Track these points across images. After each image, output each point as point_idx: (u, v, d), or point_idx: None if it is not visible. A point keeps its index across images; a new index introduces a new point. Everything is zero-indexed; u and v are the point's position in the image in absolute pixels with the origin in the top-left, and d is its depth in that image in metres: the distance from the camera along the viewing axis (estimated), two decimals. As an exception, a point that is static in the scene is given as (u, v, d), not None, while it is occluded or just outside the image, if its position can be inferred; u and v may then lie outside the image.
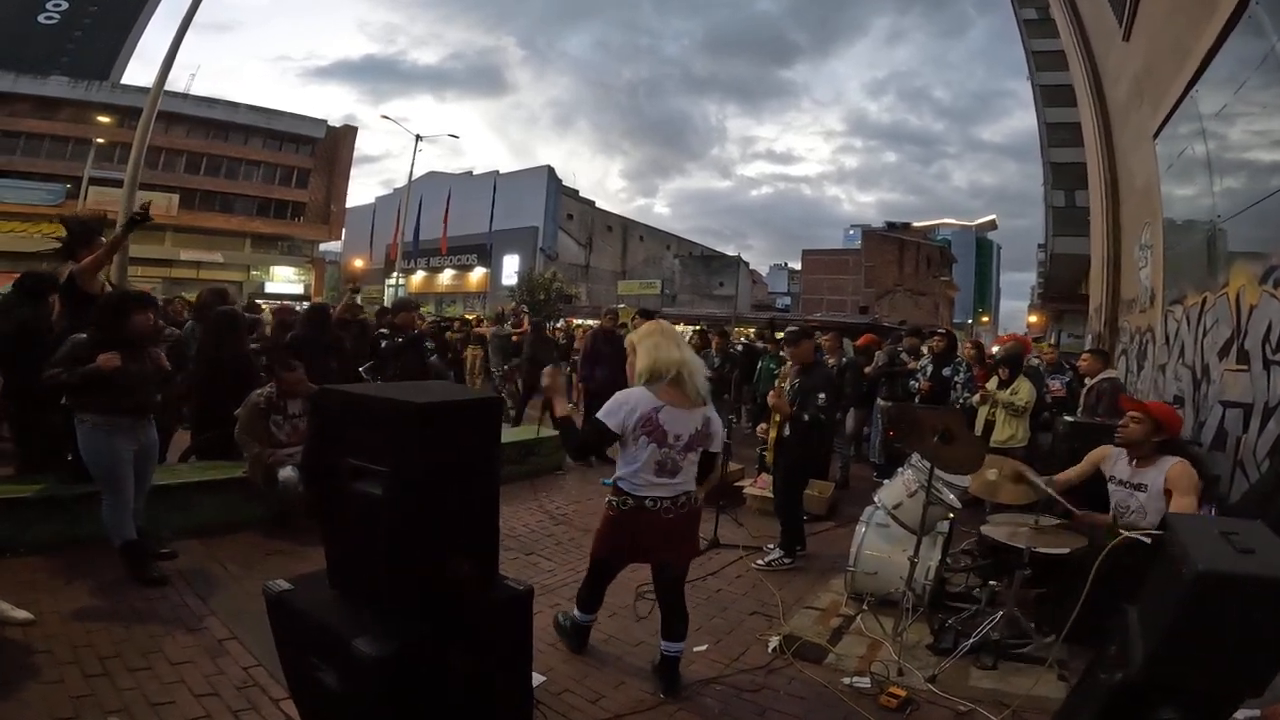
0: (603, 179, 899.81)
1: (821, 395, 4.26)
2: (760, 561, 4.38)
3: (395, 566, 1.82)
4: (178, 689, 2.57)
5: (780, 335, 12.31)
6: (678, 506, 2.67)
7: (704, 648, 3.24)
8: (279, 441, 4.51)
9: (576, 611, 3.09)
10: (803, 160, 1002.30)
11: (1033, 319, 35.31)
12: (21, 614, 2.94)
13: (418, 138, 29.00)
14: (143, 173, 10.79)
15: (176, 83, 38.06)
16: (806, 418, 4.21)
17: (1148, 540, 2.65)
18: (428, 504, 1.80)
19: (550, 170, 41.60)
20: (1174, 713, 1.71)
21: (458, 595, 1.89)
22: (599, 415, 2.62)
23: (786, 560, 4.38)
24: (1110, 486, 3.43)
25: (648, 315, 8.26)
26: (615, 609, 3.61)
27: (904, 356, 7.04)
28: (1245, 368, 4.42)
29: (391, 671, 1.72)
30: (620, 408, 2.59)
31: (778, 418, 4.35)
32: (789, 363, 4.56)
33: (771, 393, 4.28)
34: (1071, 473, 3.61)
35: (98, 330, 3.43)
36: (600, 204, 47.92)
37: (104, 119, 31.21)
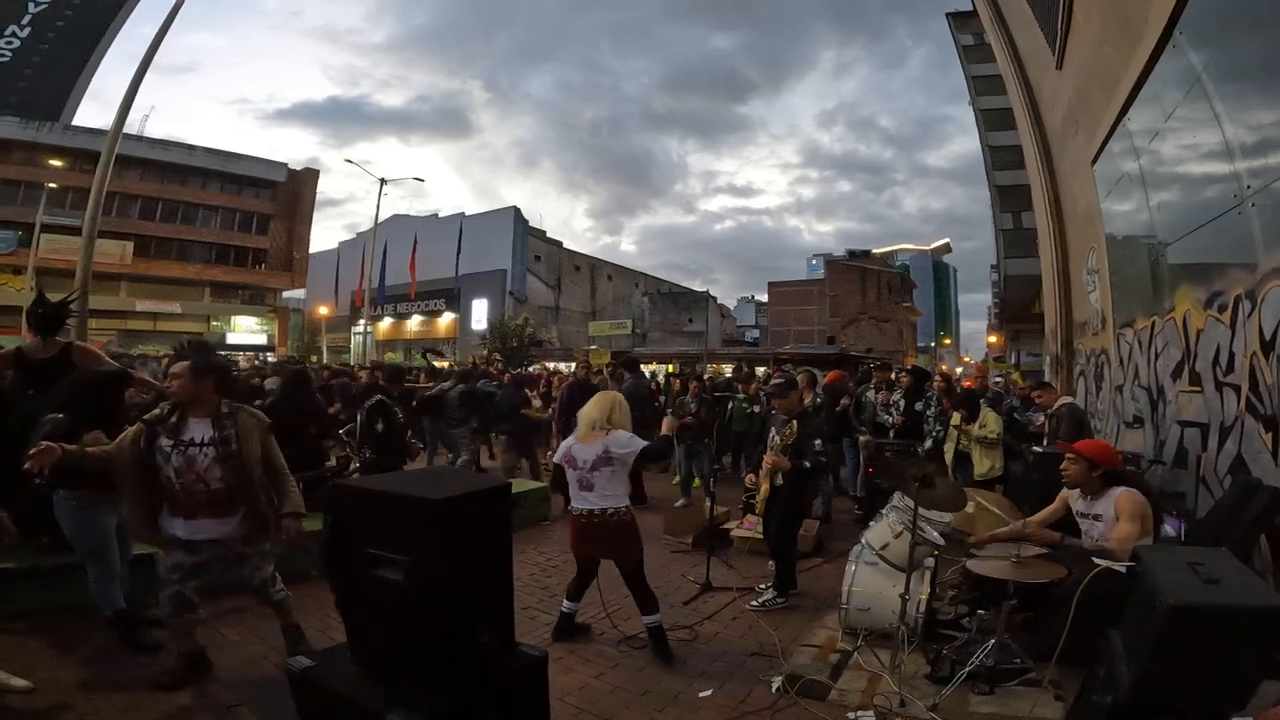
0: (569, 218, 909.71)
1: (818, 441, 4.41)
2: (755, 603, 4.45)
3: (418, 645, 1.89)
4: (195, 759, 2.50)
5: (759, 373, 12.51)
6: (594, 517, 3.61)
7: (709, 692, 3.28)
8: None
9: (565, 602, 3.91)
10: (762, 193, 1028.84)
11: (992, 339, 36.37)
12: (20, 682, 2.92)
13: (382, 181, 28.90)
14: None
15: (130, 124, 36.89)
16: (808, 465, 4.34)
17: (1123, 570, 2.83)
18: (447, 586, 1.88)
19: (516, 211, 41.59)
20: (1164, 732, 1.83)
21: (479, 667, 1.94)
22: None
23: (780, 600, 4.46)
24: (1078, 519, 3.64)
25: (631, 365, 8.41)
26: (618, 659, 3.66)
27: (870, 394, 7.25)
28: (1199, 389, 4.68)
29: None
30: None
31: (768, 468, 4.45)
32: (780, 413, 4.64)
33: (767, 456, 4.39)
34: (1045, 512, 3.83)
35: (75, 410, 3.31)
36: (567, 243, 48.12)
37: (56, 162, 29.86)
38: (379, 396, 5.83)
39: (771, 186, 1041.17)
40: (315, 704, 2.04)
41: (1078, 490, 3.62)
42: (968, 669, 3.16)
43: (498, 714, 2.00)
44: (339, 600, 2.05)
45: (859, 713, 2.99)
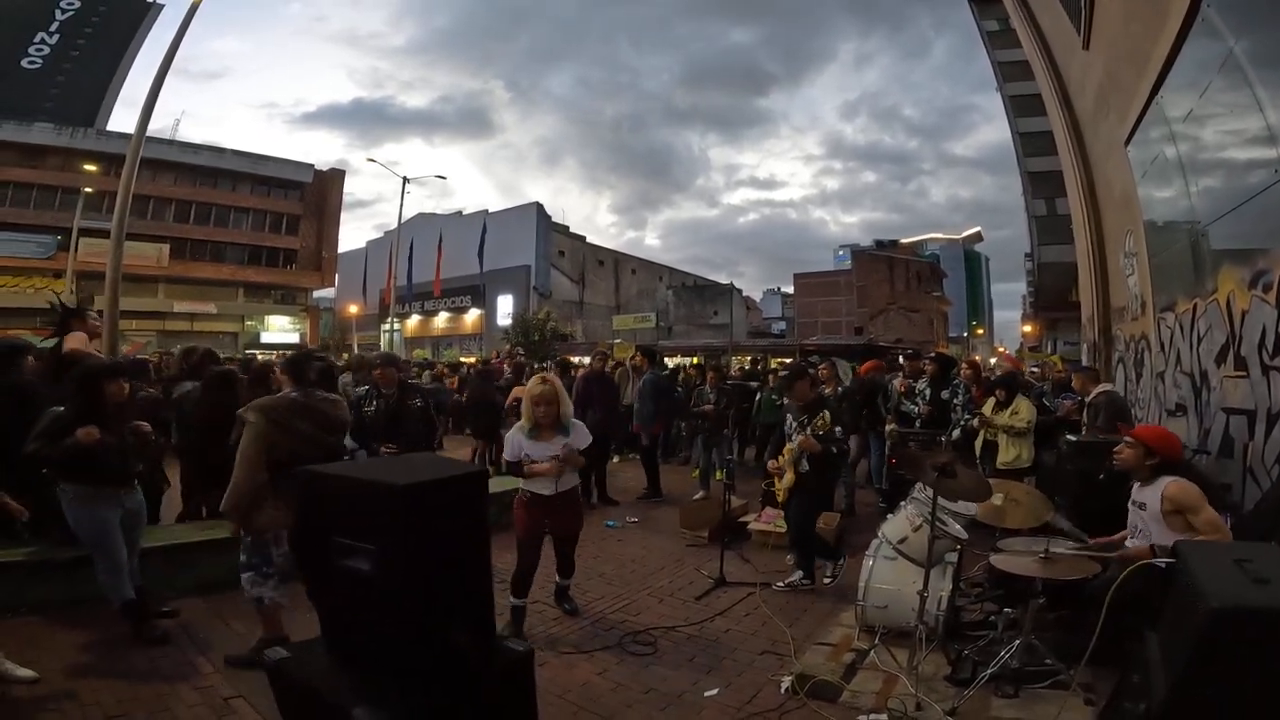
0: (592, 214, 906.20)
1: (838, 428, 4.40)
2: (781, 584, 4.46)
3: (388, 638, 1.81)
4: (186, 748, 2.49)
5: (775, 365, 12.34)
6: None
7: (714, 692, 3.15)
8: None
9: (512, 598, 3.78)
10: (785, 185, 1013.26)
11: (1027, 329, 35.35)
12: (26, 672, 2.98)
13: (404, 180, 29.16)
14: (132, 222, 10.40)
15: (161, 129, 35.61)
16: (835, 450, 4.40)
17: (1163, 565, 2.60)
18: (416, 577, 1.80)
19: (539, 207, 41.51)
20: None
21: (455, 663, 1.84)
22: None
23: (807, 581, 4.45)
24: (1129, 506, 3.38)
25: (649, 354, 8.34)
26: (623, 655, 3.54)
27: (896, 383, 7.04)
28: (1244, 374, 4.39)
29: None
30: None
31: (788, 456, 4.41)
32: (794, 401, 4.65)
33: (801, 438, 4.34)
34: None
35: (74, 403, 3.42)
36: (591, 239, 47.99)
37: (90, 167, 29.74)
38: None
39: (795, 179, 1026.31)
40: (290, 696, 1.99)
41: None
42: (990, 670, 2.97)
43: (475, 711, 1.89)
44: (310, 590, 1.98)
45: (871, 715, 2.83)
